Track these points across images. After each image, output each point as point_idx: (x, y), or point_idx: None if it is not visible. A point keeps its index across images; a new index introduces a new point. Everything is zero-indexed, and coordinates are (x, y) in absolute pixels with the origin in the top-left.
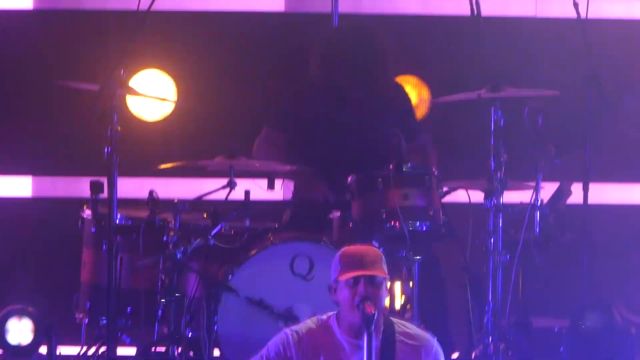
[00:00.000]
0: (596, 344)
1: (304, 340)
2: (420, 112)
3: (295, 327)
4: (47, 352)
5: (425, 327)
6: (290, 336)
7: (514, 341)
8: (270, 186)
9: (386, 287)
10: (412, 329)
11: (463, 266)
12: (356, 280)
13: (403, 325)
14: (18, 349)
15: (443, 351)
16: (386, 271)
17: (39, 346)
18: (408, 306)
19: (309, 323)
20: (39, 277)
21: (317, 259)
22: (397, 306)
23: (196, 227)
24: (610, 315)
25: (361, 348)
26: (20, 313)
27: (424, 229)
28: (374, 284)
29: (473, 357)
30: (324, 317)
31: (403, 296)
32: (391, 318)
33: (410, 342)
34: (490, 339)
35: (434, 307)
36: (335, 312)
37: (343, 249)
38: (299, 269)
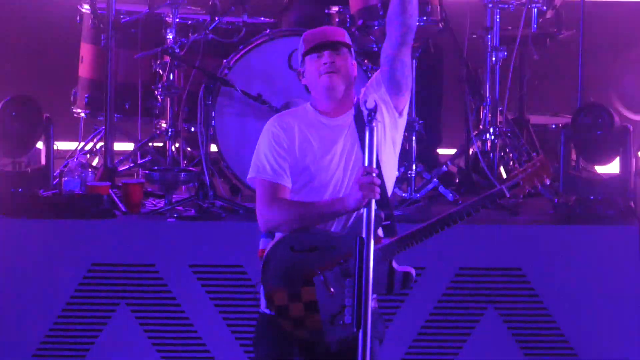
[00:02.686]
0: (594, 140)
1: (290, 124)
2: None
3: (276, 117)
4: (44, 147)
5: (421, 120)
6: (277, 125)
7: (510, 138)
8: None
9: (352, 57)
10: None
11: (460, 62)
12: (320, 54)
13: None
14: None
15: (431, 142)
16: (350, 43)
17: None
18: None
19: (288, 112)
20: (37, 73)
21: None
22: None
23: (194, 22)
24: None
25: (339, 126)
26: None
27: (421, 23)
28: (338, 52)
29: (470, 153)
30: (301, 105)
31: None
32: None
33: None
34: (488, 135)
35: (429, 101)
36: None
37: (305, 32)
38: (297, 64)
